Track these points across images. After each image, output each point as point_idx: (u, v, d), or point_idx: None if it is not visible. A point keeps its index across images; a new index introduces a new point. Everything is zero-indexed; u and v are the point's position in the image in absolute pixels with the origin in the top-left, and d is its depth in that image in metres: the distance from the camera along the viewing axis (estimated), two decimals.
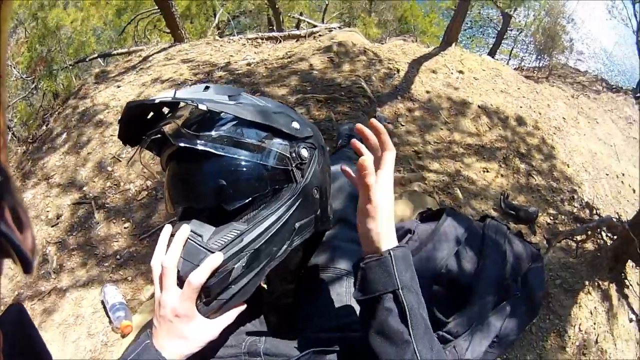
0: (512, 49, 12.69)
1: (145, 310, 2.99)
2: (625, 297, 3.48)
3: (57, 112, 5.85)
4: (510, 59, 12.41)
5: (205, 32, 11.24)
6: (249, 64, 5.57)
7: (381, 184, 1.20)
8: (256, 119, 1.17)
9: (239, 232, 1.17)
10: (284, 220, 1.22)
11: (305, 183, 1.26)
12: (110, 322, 3.05)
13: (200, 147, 1.13)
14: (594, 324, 3.19)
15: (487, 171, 4.28)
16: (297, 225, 1.26)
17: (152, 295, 2.92)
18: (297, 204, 1.25)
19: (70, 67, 9.10)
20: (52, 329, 3.19)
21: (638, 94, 9.50)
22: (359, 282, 1.19)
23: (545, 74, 8.61)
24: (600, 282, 3.38)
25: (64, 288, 3.41)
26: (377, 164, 1.23)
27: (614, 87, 9.42)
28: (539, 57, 9.87)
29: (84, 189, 4.09)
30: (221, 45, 6.65)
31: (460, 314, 1.97)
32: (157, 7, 8.64)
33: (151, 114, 1.23)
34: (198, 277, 1.10)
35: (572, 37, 11.65)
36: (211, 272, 1.12)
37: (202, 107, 1.09)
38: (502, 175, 4.30)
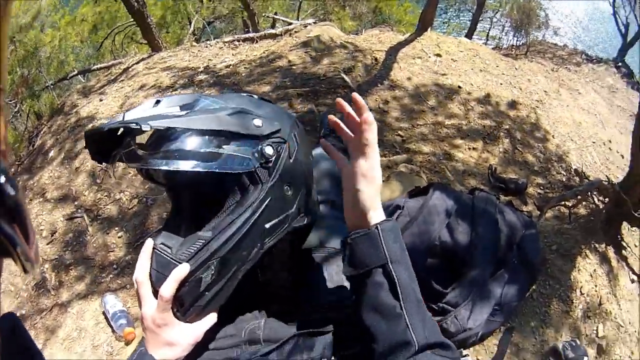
0: (489, 30, 12.69)
1: None
2: (624, 258, 3.49)
3: (42, 131, 5.86)
4: (487, 40, 12.41)
5: (182, 40, 11.25)
6: (228, 66, 5.58)
7: (373, 157, 1.21)
8: (208, 126, 1.16)
9: (204, 241, 1.18)
10: (250, 223, 1.21)
11: (274, 181, 1.23)
12: (113, 331, 3.05)
13: (151, 167, 1.18)
14: (595, 286, 3.19)
15: (474, 149, 4.31)
16: (267, 226, 1.25)
17: None
18: (264, 204, 1.23)
19: (52, 86, 9.07)
20: (57, 345, 3.19)
21: (619, 63, 9.55)
22: (348, 257, 1.19)
23: (524, 50, 8.63)
24: (596, 245, 3.37)
25: (65, 303, 3.41)
26: (359, 142, 1.21)
27: (594, 58, 9.45)
28: (516, 35, 9.87)
29: (76, 202, 4.09)
30: (199, 51, 6.66)
31: (459, 283, 1.98)
32: (132, 20, 8.60)
33: (121, 130, 1.21)
34: (167, 289, 1.13)
35: (547, 13, 11.61)
36: (179, 283, 1.14)
37: (145, 127, 1.08)
38: (488, 152, 4.33)
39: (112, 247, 3.65)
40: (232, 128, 1.17)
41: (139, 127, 1.07)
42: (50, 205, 4.19)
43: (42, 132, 5.83)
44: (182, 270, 1.14)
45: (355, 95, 1.18)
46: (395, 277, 1.10)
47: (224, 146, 1.17)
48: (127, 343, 2.97)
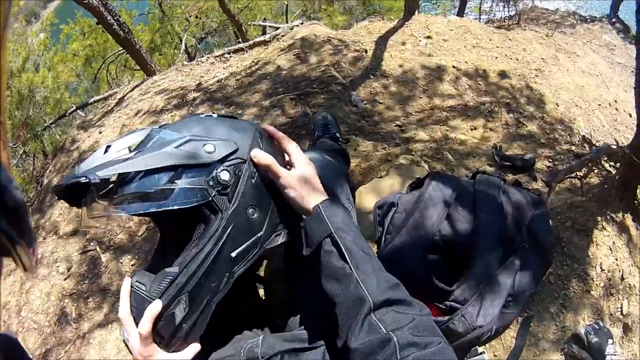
0: (480, 4, 12.56)
1: None
2: None
3: (48, 170, 5.95)
4: (480, 15, 12.30)
5: (175, 60, 11.32)
6: (219, 80, 5.57)
7: (295, 161, 1.43)
8: (157, 163, 1.18)
9: (171, 277, 1.24)
10: (214, 254, 1.24)
11: (234, 207, 1.26)
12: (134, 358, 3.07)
13: (110, 215, 1.21)
14: (616, 260, 3.04)
15: (475, 129, 4.21)
16: (233, 255, 1.27)
17: None
18: (227, 233, 1.25)
19: (53, 125, 9.16)
20: None
21: (613, 19, 9.45)
22: (304, 239, 1.36)
23: (516, 20, 8.56)
24: (613, 215, 3.22)
25: (86, 334, 3.45)
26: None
27: (587, 17, 9.37)
28: (505, 5, 9.75)
29: (88, 236, 4.13)
30: (190, 69, 6.69)
31: (464, 278, 1.90)
32: (122, 48, 8.66)
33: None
34: (143, 327, 1.23)
35: None
36: (155, 318, 1.23)
37: (94, 179, 1.13)
38: (490, 130, 4.23)
39: (125, 274, 3.67)
40: (181, 161, 1.20)
41: (87, 180, 1.13)
42: (63, 241, 4.24)
43: (48, 171, 5.93)
44: (155, 307, 1.23)
45: (266, 127, 1.49)
46: (340, 243, 1.24)
47: (176, 181, 1.20)
48: None
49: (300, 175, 1.38)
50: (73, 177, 1.15)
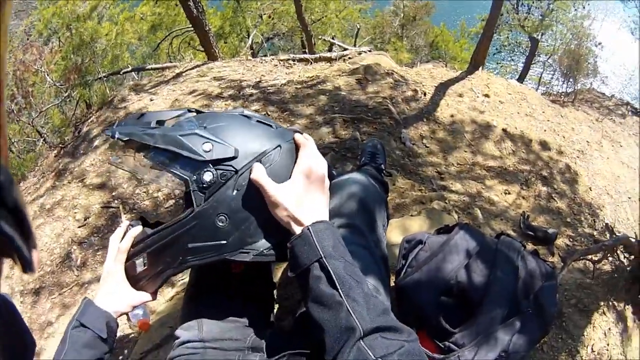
0: (541, 76, 12.54)
1: (165, 312, 2.93)
2: None
3: (90, 120, 6.03)
4: (538, 85, 12.27)
5: (239, 52, 11.36)
6: (278, 84, 5.66)
7: (294, 171, 1.38)
8: (157, 143, 1.31)
9: (145, 235, 1.44)
10: (173, 236, 1.34)
11: (204, 208, 1.30)
12: (128, 319, 3.01)
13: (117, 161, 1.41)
14: (607, 344, 3.12)
15: (509, 193, 4.33)
16: (189, 245, 1.33)
17: (172, 297, 3.02)
18: (189, 226, 1.32)
19: (104, 78, 9.21)
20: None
21: None
22: (290, 261, 1.29)
23: (572, 98, 8.58)
24: (615, 303, 3.31)
25: (86, 284, 3.54)
26: None
27: (639, 110, 9.33)
28: (565, 81, 9.77)
29: (114, 193, 4.21)
30: (253, 65, 6.75)
31: (467, 325, 1.98)
32: (190, 26, 8.81)
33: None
34: (124, 242, 1.49)
35: (596, 60, 11.40)
36: (132, 240, 1.47)
37: (118, 135, 1.33)
38: (523, 198, 4.34)
39: None
40: (177, 148, 1.30)
41: (110, 134, 1.35)
42: (88, 190, 4.34)
43: (89, 121, 6.02)
44: (136, 230, 1.50)
45: (297, 136, 1.44)
46: (330, 269, 1.18)
47: (171, 163, 1.31)
48: (140, 333, 2.95)
49: (289, 192, 1.33)
50: (111, 129, 1.35)
